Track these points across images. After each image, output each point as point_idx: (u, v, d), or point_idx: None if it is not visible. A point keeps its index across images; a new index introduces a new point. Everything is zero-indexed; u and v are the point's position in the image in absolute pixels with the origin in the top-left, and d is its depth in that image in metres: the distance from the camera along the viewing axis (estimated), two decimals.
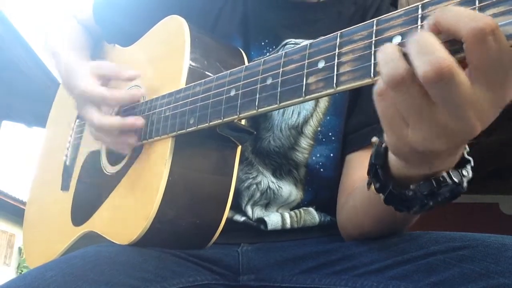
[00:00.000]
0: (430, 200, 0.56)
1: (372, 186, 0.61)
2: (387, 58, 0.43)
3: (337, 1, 0.94)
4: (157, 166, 0.75)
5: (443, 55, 0.40)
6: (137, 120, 0.80)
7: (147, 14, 0.97)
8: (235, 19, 0.93)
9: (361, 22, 0.93)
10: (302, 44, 0.58)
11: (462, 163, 0.55)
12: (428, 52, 0.40)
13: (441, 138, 0.45)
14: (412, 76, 0.42)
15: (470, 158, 0.55)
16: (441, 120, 0.43)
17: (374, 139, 0.60)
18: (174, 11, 0.88)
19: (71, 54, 0.98)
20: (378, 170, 0.59)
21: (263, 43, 0.91)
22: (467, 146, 0.54)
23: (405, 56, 0.43)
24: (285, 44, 0.90)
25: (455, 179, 0.54)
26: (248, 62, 0.86)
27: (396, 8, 1.06)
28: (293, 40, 0.90)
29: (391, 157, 0.57)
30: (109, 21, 1.06)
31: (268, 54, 0.90)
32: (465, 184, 0.55)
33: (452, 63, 0.40)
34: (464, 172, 0.55)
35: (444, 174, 0.54)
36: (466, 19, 0.40)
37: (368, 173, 0.60)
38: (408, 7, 0.45)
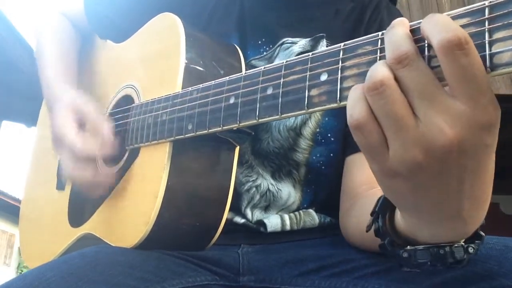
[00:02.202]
0: (422, 267, 0.51)
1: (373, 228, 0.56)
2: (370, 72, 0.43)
3: None
4: (156, 171, 0.74)
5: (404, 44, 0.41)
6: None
7: (138, 10, 0.96)
8: (232, 18, 0.92)
9: (358, 20, 0.94)
10: (303, 56, 0.56)
11: (472, 238, 0.50)
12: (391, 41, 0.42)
13: (417, 147, 0.41)
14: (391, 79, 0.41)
15: (483, 234, 0.50)
16: (416, 128, 0.41)
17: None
18: (166, 7, 0.87)
19: (55, 68, 0.99)
20: (379, 219, 0.54)
21: (260, 42, 0.90)
22: (484, 220, 0.49)
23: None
24: (282, 43, 0.89)
25: (457, 256, 0.48)
26: (245, 61, 0.85)
27: (395, 6, 1.05)
28: (289, 39, 0.89)
29: (397, 212, 0.53)
30: (101, 16, 1.04)
31: (265, 53, 0.90)
32: (465, 262, 0.49)
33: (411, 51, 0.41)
34: (470, 249, 0.49)
35: (447, 248, 0.48)
36: (438, 28, 0.39)
37: (371, 214, 0.56)
38: (415, 22, 0.43)
